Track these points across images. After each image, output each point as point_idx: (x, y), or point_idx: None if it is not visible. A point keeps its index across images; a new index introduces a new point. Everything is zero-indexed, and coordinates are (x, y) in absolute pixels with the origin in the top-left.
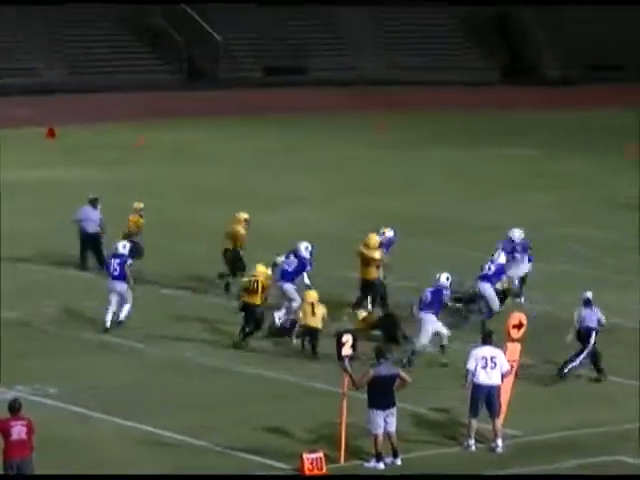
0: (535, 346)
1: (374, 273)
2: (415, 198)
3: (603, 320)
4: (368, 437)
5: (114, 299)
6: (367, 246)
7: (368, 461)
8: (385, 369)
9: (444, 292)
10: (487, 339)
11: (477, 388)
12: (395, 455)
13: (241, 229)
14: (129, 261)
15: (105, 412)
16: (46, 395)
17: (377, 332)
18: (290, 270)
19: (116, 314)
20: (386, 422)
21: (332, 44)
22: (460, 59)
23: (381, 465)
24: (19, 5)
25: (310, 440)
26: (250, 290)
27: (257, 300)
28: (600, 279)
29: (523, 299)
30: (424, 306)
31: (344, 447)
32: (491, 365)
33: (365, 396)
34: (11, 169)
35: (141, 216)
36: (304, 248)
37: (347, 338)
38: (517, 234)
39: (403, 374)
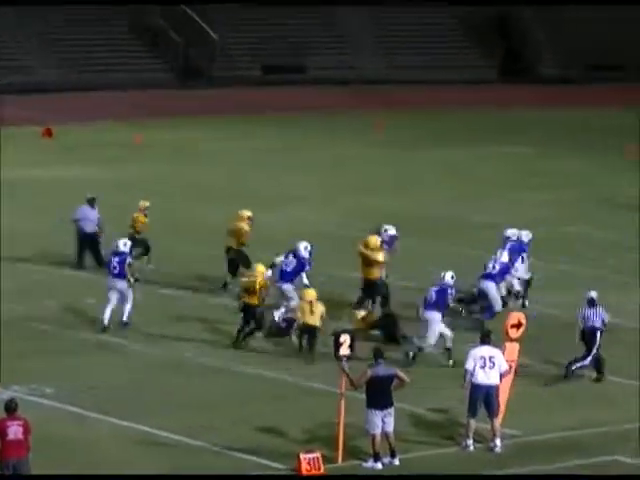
0: (535, 346)
1: (376, 273)
2: (413, 197)
3: (607, 319)
4: (366, 437)
5: (114, 297)
6: (367, 247)
7: (366, 461)
8: (383, 369)
9: (449, 291)
10: (485, 339)
11: (475, 388)
12: (393, 455)
13: (245, 226)
14: (129, 259)
15: (102, 412)
16: (43, 395)
17: (376, 332)
18: (289, 270)
19: (117, 314)
20: (384, 422)
21: (331, 43)
22: (459, 58)
23: (379, 465)
24: (18, 5)
25: (308, 440)
26: (249, 291)
27: (256, 300)
28: (600, 279)
29: (528, 302)
30: (429, 306)
31: (342, 447)
32: (489, 365)
33: (363, 396)
34: (9, 168)
35: (145, 215)
36: (303, 248)
37: (345, 338)
38: (525, 235)
39: (401, 374)
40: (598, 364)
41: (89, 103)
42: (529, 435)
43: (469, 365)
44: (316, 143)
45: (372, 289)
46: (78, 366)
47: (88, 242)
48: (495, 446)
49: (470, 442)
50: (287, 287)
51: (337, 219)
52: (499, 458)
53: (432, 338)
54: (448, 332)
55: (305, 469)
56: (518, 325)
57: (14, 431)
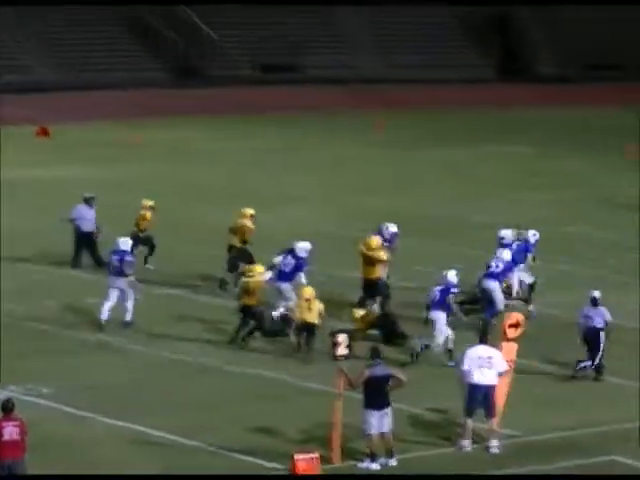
0: (535, 346)
1: (377, 273)
2: (413, 197)
3: (609, 318)
4: (363, 438)
5: (114, 295)
6: (369, 248)
7: (362, 461)
8: (380, 369)
9: (452, 290)
10: (483, 338)
11: (473, 388)
12: (390, 455)
13: (248, 223)
14: (128, 257)
15: (98, 412)
16: (39, 395)
17: (375, 332)
18: (287, 270)
19: (118, 313)
20: (381, 422)
21: (329, 42)
22: (457, 57)
23: (375, 465)
24: (17, 5)
25: (304, 440)
26: (247, 291)
27: (254, 301)
28: (600, 279)
29: (532, 307)
30: (434, 305)
31: (339, 447)
32: (487, 365)
33: (360, 396)
34: (8, 168)
35: (151, 213)
36: (301, 248)
37: (342, 338)
38: (532, 235)
39: (399, 374)
40: (599, 364)
41: (87, 102)
42: (527, 435)
43: (466, 365)
44: (315, 143)
45: (373, 289)
46: (77, 366)
47: (85, 241)
48: (492, 446)
49: (467, 442)
50: (285, 286)
51: (337, 219)
52: (497, 458)
53: (440, 337)
54: (450, 333)
55: (302, 469)
56: (516, 325)
57: (10, 432)
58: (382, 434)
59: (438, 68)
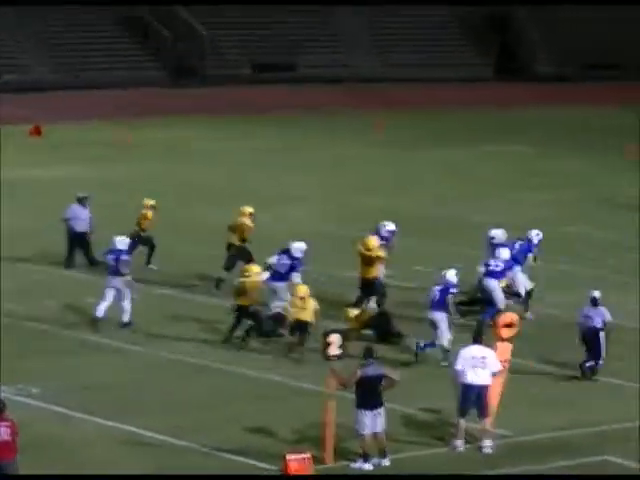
0: (533, 346)
1: (374, 272)
2: (413, 197)
3: (609, 319)
4: (356, 438)
5: (110, 294)
6: (367, 248)
7: (355, 462)
8: (372, 369)
9: (451, 290)
10: (477, 338)
11: (466, 388)
12: (383, 455)
13: (247, 221)
14: (124, 257)
15: (90, 412)
16: (29, 395)
17: (369, 331)
18: (282, 270)
19: (116, 313)
20: (374, 422)
21: (327, 41)
22: (456, 56)
23: (367, 466)
24: (15, 5)
25: (297, 440)
26: (241, 291)
27: (247, 301)
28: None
29: (529, 314)
30: (434, 305)
31: (332, 448)
32: (480, 365)
33: (353, 396)
34: (6, 168)
35: (152, 212)
36: (296, 248)
37: (334, 338)
38: (535, 235)
39: (392, 374)
40: (593, 366)
41: (84, 102)
42: (520, 435)
43: (459, 365)
44: (314, 143)
45: (370, 288)
46: (73, 366)
47: (78, 241)
48: (485, 447)
49: (460, 442)
50: (280, 286)
51: (336, 219)
52: (490, 458)
53: (444, 338)
54: (448, 334)
55: (294, 469)
56: (511, 325)
57: (1, 432)
58: (375, 434)
59: (437, 67)
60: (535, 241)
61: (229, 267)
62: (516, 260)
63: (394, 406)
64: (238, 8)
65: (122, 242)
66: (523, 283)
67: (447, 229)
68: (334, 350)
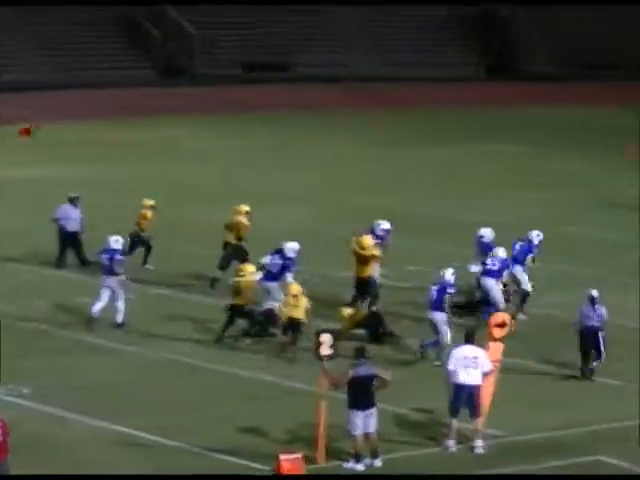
0: (532, 346)
1: (369, 271)
2: (408, 196)
3: (605, 316)
4: (348, 438)
5: (105, 295)
6: (361, 247)
7: (347, 462)
8: (364, 369)
9: (448, 289)
10: (469, 338)
11: (458, 388)
12: (375, 456)
13: (243, 220)
14: (118, 256)
15: (84, 413)
16: (20, 395)
17: (361, 331)
18: (274, 270)
19: (110, 313)
20: (366, 423)
21: (321, 40)
22: (452, 55)
23: (359, 466)
24: (11, 5)
25: (289, 441)
26: (239, 291)
27: (244, 300)
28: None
29: (522, 315)
30: (432, 305)
31: (323, 448)
32: (472, 365)
33: (345, 396)
34: None
35: (152, 212)
36: (289, 248)
37: (326, 338)
38: (536, 235)
39: (384, 374)
40: (585, 366)
41: (75, 102)
42: (513, 435)
43: (451, 365)
44: (308, 142)
45: (364, 287)
46: (65, 366)
47: (70, 241)
48: (477, 447)
49: (452, 442)
50: (273, 286)
51: (330, 218)
52: (482, 458)
53: (445, 337)
54: (450, 333)
55: (286, 470)
56: (503, 325)
57: None
58: (367, 434)
59: (434, 67)
60: (536, 242)
61: (224, 266)
62: (517, 260)
63: (386, 406)
64: (228, 7)
65: (116, 242)
66: (526, 281)
67: (443, 228)
68: (326, 350)
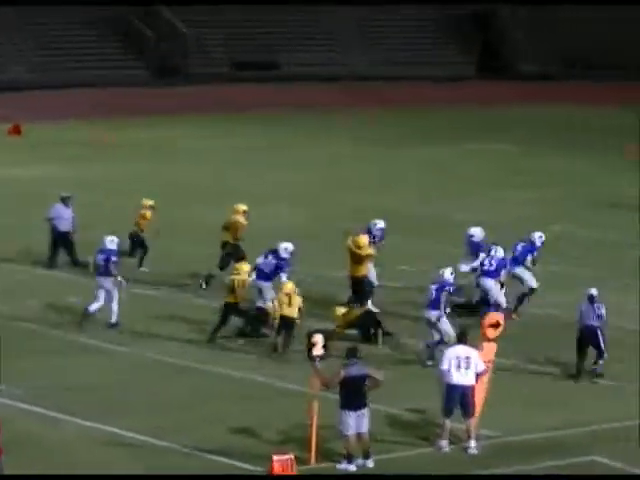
0: (530, 346)
1: (364, 270)
2: (397, 195)
3: (603, 313)
4: (340, 438)
5: (102, 295)
6: (357, 246)
7: (339, 463)
8: (356, 369)
9: (446, 287)
10: (462, 338)
11: (451, 388)
12: (367, 456)
13: (241, 219)
14: (114, 257)
15: (74, 414)
16: (11, 395)
17: (354, 331)
18: (267, 270)
19: (104, 313)
20: (358, 423)
21: (311, 39)
22: (439, 54)
23: (352, 467)
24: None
25: (281, 441)
26: (233, 289)
27: (238, 299)
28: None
29: (515, 316)
30: (431, 304)
31: (315, 448)
32: (465, 365)
33: (337, 397)
34: None
35: (148, 213)
36: (283, 249)
37: (317, 338)
38: (538, 237)
39: (376, 374)
40: (580, 365)
41: (68, 101)
42: (507, 435)
43: (444, 365)
44: (301, 141)
45: (360, 287)
46: (56, 366)
47: (62, 241)
48: (470, 447)
49: (445, 443)
50: (265, 286)
51: (321, 217)
52: (475, 459)
53: (449, 333)
54: (438, 336)
55: (277, 470)
56: (496, 325)
57: None
58: (359, 435)
59: (422, 65)
60: (538, 243)
61: (223, 266)
62: (517, 261)
63: (378, 406)
64: (221, 7)
65: (112, 242)
66: (530, 278)
67: (431, 227)
68: (317, 350)
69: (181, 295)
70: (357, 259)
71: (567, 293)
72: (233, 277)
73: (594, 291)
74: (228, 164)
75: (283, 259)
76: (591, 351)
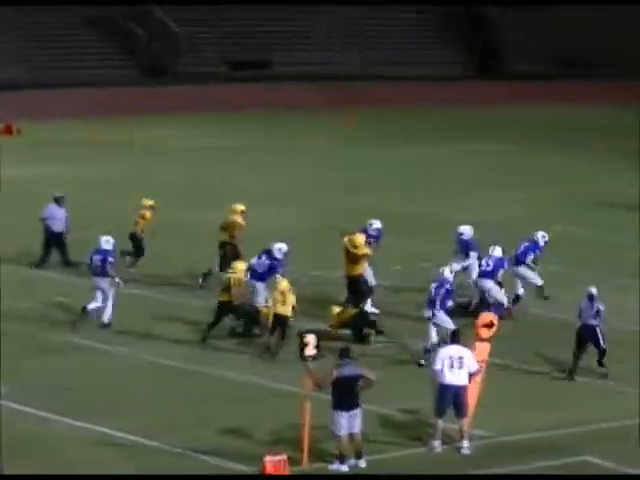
0: (528, 346)
1: (359, 269)
2: (391, 195)
3: (603, 313)
4: (332, 439)
5: (99, 296)
6: (353, 245)
7: (332, 463)
8: (348, 369)
9: (445, 285)
10: (454, 338)
11: (443, 388)
12: (359, 457)
13: (239, 219)
14: (110, 258)
15: (63, 413)
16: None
17: (346, 331)
18: (261, 271)
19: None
20: (350, 423)
21: (302, 39)
22: (435, 54)
23: (344, 467)
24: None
25: (273, 442)
26: (229, 288)
27: (232, 297)
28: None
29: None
30: (431, 303)
31: (308, 449)
32: (458, 365)
33: (329, 397)
34: None
35: (148, 214)
36: (277, 249)
37: (310, 338)
38: (541, 236)
39: (369, 374)
40: (574, 365)
41: (59, 101)
42: (499, 436)
43: (437, 365)
44: (294, 141)
45: (356, 286)
46: (46, 366)
47: (55, 241)
48: (463, 447)
49: (437, 443)
50: (259, 286)
51: (314, 218)
52: (468, 459)
53: (450, 325)
54: (434, 336)
55: (270, 471)
56: (490, 325)
57: None
58: (351, 435)
59: (417, 65)
60: (541, 243)
61: (223, 267)
62: (519, 260)
63: (371, 407)
64: (213, 6)
65: (107, 242)
66: (534, 276)
67: (426, 227)
68: (310, 350)
69: (173, 296)
70: (353, 258)
71: (567, 293)
72: (230, 276)
73: (593, 289)
74: (220, 164)
75: (277, 259)
76: (590, 350)
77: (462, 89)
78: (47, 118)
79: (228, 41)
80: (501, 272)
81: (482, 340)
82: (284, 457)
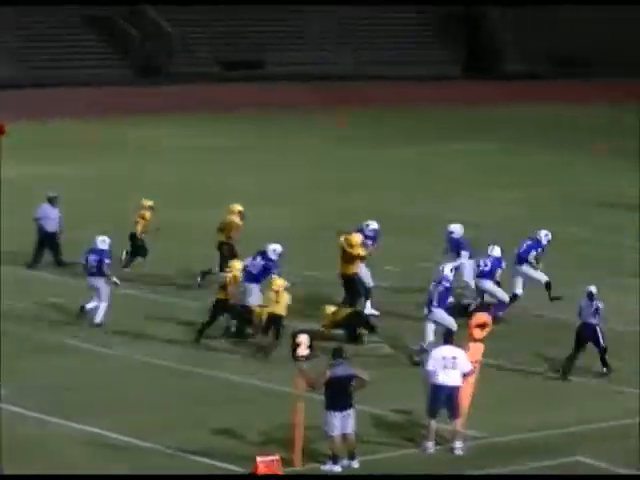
0: (526, 346)
1: (354, 269)
2: (382, 195)
3: (601, 310)
4: (325, 439)
5: (95, 295)
6: (349, 244)
7: (324, 464)
8: (342, 369)
9: (444, 283)
10: (448, 338)
11: (437, 389)
12: (352, 457)
13: (236, 219)
14: (107, 259)
15: (56, 413)
16: None
17: (340, 331)
18: (255, 272)
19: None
20: (343, 424)
21: (296, 38)
22: (425, 54)
23: (337, 468)
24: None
25: (266, 442)
26: (224, 286)
27: (225, 295)
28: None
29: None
30: (431, 302)
31: (300, 449)
32: (451, 366)
33: (322, 397)
34: None
35: (147, 214)
36: (272, 250)
37: (302, 338)
38: (544, 235)
39: (362, 374)
40: (570, 363)
41: (53, 100)
42: (492, 436)
43: (430, 366)
44: (287, 141)
45: (351, 285)
46: (39, 367)
47: (48, 241)
48: (456, 448)
49: (430, 444)
50: (253, 287)
51: (308, 218)
52: (461, 459)
53: (451, 323)
54: (431, 335)
55: (262, 472)
56: (483, 325)
57: None
58: (344, 435)
59: (407, 65)
60: (544, 242)
61: (223, 267)
62: (522, 259)
63: (364, 407)
64: (206, 6)
65: (103, 242)
66: (538, 275)
67: (417, 227)
68: (302, 351)
69: (167, 296)
70: (348, 258)
71: (567, 293)
72: (226, 274)
73: (593, 288)
74: (213, 163)
75: (271, 260)
76: (589, 349)
77: (458, 89)
78: (42, 118)
79: (221, 41)
80: (499, 272)
81: (476, 340)
82: (277, 457)
